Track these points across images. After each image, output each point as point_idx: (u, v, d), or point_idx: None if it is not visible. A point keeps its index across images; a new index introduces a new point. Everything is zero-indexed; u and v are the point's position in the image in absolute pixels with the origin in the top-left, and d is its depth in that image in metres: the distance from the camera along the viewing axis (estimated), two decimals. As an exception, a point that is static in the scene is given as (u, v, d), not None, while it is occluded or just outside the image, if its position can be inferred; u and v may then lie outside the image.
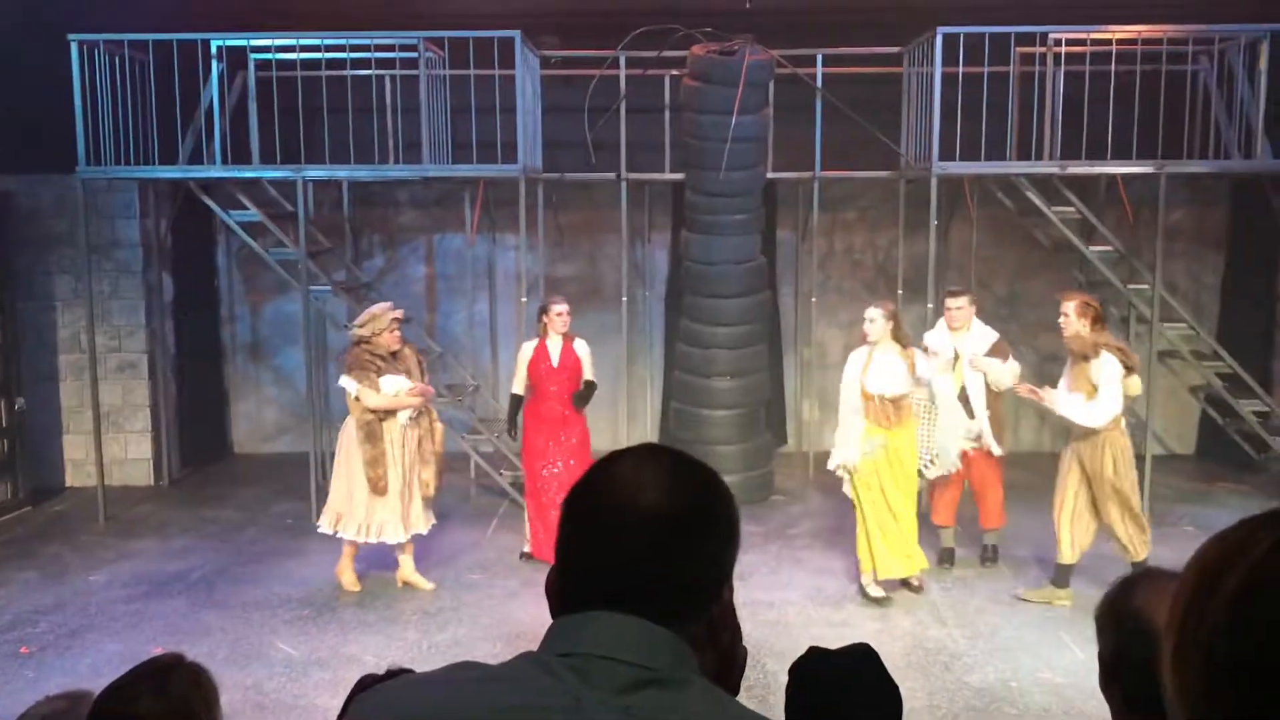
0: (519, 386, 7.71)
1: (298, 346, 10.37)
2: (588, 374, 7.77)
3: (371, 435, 6.97)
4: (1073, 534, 6.85)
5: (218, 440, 11.16)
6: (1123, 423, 6.78)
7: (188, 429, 10.53)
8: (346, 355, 7.14)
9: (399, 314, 7.13)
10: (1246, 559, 0.90)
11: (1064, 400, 6.76)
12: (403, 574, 7.32)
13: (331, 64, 8.98)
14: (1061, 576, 6.97)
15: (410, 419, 7.10)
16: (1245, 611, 0.88)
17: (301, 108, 8.52)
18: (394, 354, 7.08)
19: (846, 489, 7.07)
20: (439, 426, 7.35)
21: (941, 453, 7.32)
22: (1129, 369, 6.65)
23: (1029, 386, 7.07)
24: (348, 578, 7.25)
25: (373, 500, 7.01)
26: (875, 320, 6.85)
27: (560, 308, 7.63)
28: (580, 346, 7.73)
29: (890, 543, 6.94)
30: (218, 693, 2.39)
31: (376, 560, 7.47)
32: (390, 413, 7.03)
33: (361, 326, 7.10)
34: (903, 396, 6.87)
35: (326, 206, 10.71)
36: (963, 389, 7.40)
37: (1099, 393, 6.60)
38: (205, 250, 10.98)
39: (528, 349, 7.68)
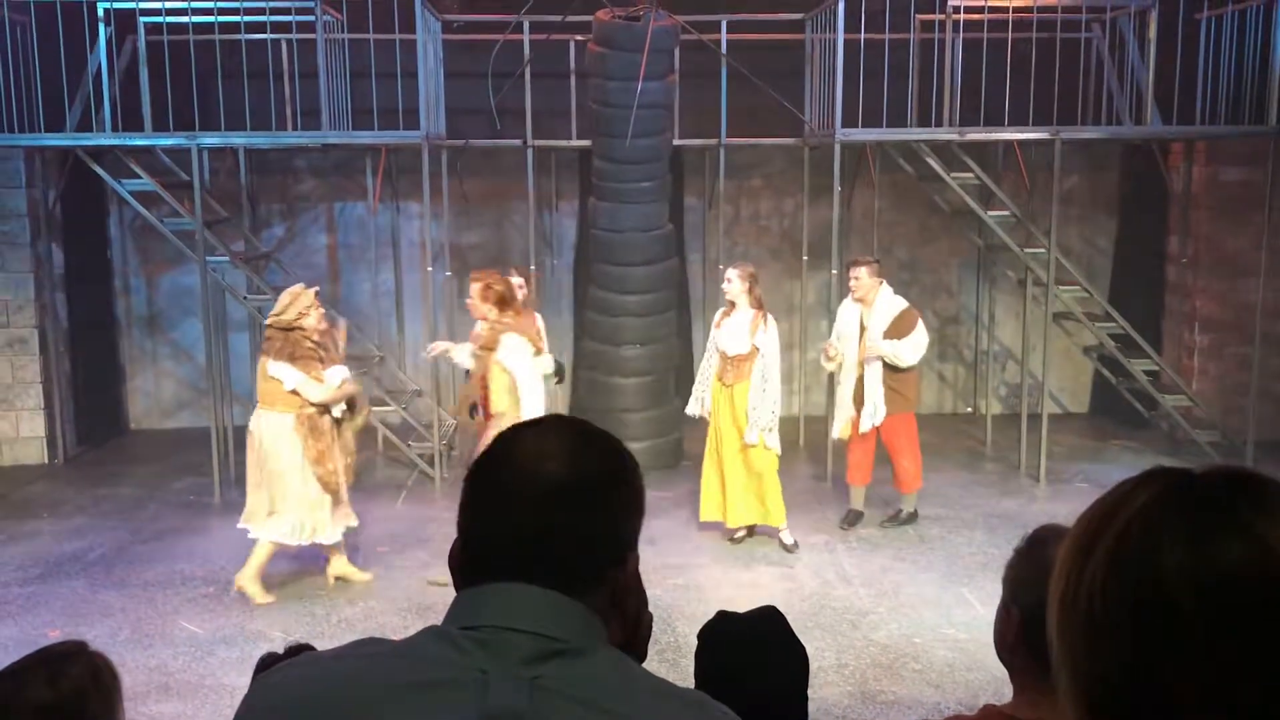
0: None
1: (196, 319, 10.11)
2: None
3: (315, 429, 6.34)
4: None
5: (114, 416, 10.84)
6: None
7: (82, 405, 10.20)
8: (276, 341, 6.33)
9: (316, 289, 6.57)
10: (1121, 518, 0.92)
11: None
12: (335, 570, 6.77)
13: (225, 28, 8.72)
14: None
15: (343, 409, 6.56)
16: (1119, 568, 0.90)
17: (195, 73, 8.26)
18: (322, 334, 6.50)
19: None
20: (366, 409, 6.85)
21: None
22: None
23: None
24: (256, 589, 6.49)
25: (308, 499, 6.40)
26: (732, 281, 7.34)
27: (516, 280, 7.57)
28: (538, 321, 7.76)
29: (716, 488, 7.37)
30: (119, 684, 2.30)
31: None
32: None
33: (283, 312, 6.35)
34: (745, 356, 7.28)
35: (223, 175, 10.43)
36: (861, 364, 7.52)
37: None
38: (97, 221, 10.62)
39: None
